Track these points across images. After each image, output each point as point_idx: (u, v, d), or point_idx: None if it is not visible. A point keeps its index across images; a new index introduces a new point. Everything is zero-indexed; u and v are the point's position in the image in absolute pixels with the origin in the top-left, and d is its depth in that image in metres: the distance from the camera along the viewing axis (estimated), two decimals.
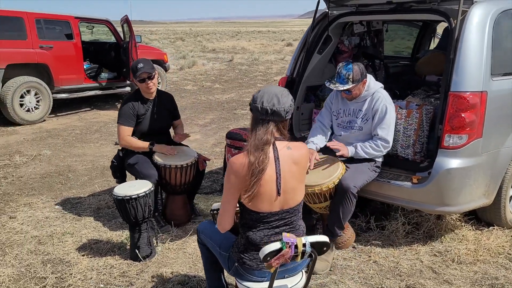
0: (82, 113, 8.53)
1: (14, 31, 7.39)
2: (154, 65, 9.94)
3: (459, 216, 3.71)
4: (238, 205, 2.07)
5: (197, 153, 3.70)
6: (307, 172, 3.04)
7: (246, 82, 12.87)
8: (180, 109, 8.81)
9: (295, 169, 2.02)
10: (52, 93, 7.88)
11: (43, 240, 3.41)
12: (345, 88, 3.12)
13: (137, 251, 3.10)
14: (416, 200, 3.24)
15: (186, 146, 3.90)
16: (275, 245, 1.80)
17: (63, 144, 6.29)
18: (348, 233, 3.35)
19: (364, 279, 2.94)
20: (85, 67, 8.67)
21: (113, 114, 8.40)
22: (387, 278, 2.95)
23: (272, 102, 2.01)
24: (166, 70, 10.27)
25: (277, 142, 2.02)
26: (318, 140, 3.34)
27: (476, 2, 3.27)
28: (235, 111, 8.71)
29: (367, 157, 3.17)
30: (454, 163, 3.09)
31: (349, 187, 2.98)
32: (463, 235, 3.46)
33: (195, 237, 3.37)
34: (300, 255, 1.83)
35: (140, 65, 3.57)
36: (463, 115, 3.05)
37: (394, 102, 3.56)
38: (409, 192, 3.23)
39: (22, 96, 7.42)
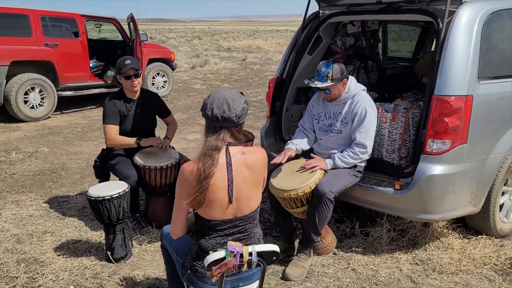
0: (87, 111, 8.59)
1: (19, 28, 7.47)
2: (161, 64, 9.98)
3: (446, 224, 3.59)
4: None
5: (179, 154, 3.66)
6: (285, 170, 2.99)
7: (255, 82, 12.81)
8: (185, 108, 8.91)
9: (249, 175, 1.96)
10: (57, 91, 7.95)
11: (22, 239, 3.42)
12: (323, 85, 3.04)
13: (110, 253, 3.08)
14: (398, 207, 3.13)
15: (172, 147, 3.86)
16: (220, 254, 1.74)
17: (62, 142, 6.34)
18: (328, 239, 3.27)
19: (339, 287, 2.86)
20: (91, 65, 8.74)
21: None
22: (363, 287, 2.86)
23: (222, 108, 1.94)
24: (173, 69, 10.27)
25: (230, 148, 1.96)
26: (299, 142, 3.26)
27: (465, 2, 3.14)
28: None
29: (346, 166, 3.09)
30: (436, 169, 2.98)
31: (325, 192, 2.90)
32: (448, 243, 3.34)
33: None
34: (245, 264, 1.76)
35: (128, 61, 3.53)
36: (446, 120, 2.94)
37: (381, 105, 3.47)
38: (391, 199, 3.13)
39: (26, 93, 7.50)
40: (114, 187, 3.07)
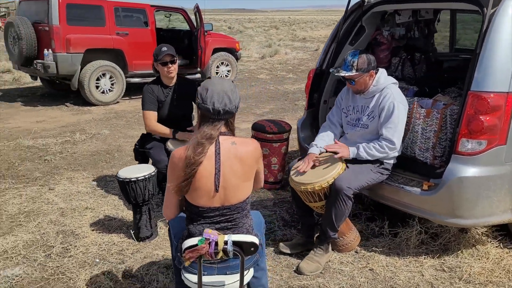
0: None
1: (94, 19, 8.01)
2: (226, 53, 10.20)
3: (486, 230, 3.33)
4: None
5: None
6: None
7: None
8: (244, 97, 9.03)
9: (238, 166, 1.96)
10: (126, 77, 8.44)
11: (66, 213, 3.72)
12: (347, 74, 2.94)
13: (136, 232, 3.25)
14: (426, 209, 2.96)
15: None
16: (195, 240, 1.78)
17: (123, 125, 6.75)
18: (351, 236, 3.17)
19: (351, 286, 2.78)
20: None
21: None
22: None
23: (224, 102, 1.96)
24: (237, 59, 10.43)
25: (221, 137, 1.98)
26: (323, 142, 3.17)
27: None
28: (297, 102, 8.60)
29: (370, 158, 2.96)
30: (469, 171, 2.77)
31: (342, 188, 2.81)
32: (484, 252, 3.10)
33: None
34: (220, 252, 1.78)
35: (164, 48, 3.66)
36: (482, 118, 2.71)
37: (418, 100, 3.28)
38: (418, 199, 2.96)
39: (98, 79, 8.06)
40: (142, 170, 3.23)
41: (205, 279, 1.99)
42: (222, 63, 10.05)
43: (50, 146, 5.58)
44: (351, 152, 2.97)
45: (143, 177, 3.14)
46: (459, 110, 2.89)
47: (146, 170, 3.24)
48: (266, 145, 4.18)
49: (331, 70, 3.07)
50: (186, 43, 9.71)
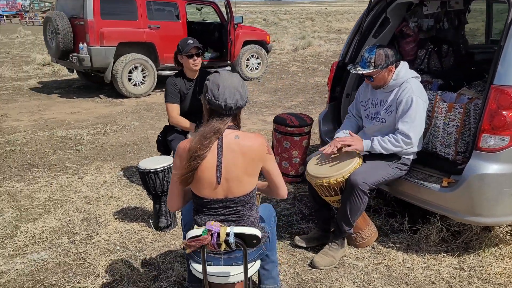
0: None
1: (127, 13, 8.19)
2: (256, 46, 10.19)
3: (511, 229, 3.21)
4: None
5: None
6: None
7: None
8: (273, 90, 9.03)
9: (241, 159, 1.97)
10: (157, 70, 8.61)
11: (92, 201, 3.86)
12: (365, 72, 2.89)
13: (155, 221, 3.35)
14: (445, 206, 2.89)
15: None
16: (198, 231, 1.82)
17: (153, 117, 6.90)
18: (368, 232, 3.14)
19: (364, 282, 2.75)
20: None
21: None
22: (390, 285, 2.72)
23: (235, 98, 1.98)
24: (268, 52, 10.42)
25: (226, 130, 2.00)
26: (349, 129, 3.15)
27: None
28: (326, 95, 8.46)
29: (385, 152, 2.91)
30: (490, 168, 2.68)
31: (357, 183, 2.78)
32: (509, 252, 3.00)
33: None
34: (223, 243, 1.82)
35: (190, 41, 3.71)
36: (504, 114, 2.61)
37: (441, 94, 3.19)
38: (437, 196, 2.89)
39: (130, 72, 8.25)
40: (161, 161, 3.31)
41: (212, 269, 2.03)
42: (252, 55, 10.07)
43: (82, 136, 5.79)
44: (364, 145, 2.92)
45: (161, 168, 3.22)
46: (481, 105, 2.80)
47: (165, 161, 3.32)
48: (287, 138, 4.18)
49: (348, 68, 3.02)
50: (217, 36, 9.78)
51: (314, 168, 3.01)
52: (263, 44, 10.26)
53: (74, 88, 9.33)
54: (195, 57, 3.69)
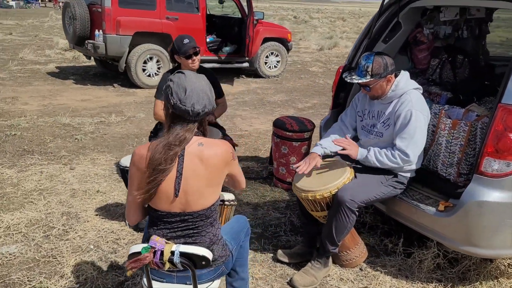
0: None
1: (146, 2, 8.09)
2: (276, 43, 9.97)
3: None
4: None
5: (223, 135, 3.59)
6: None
7: None
8: (289, 90, 8.81)
9: (202, 170, 1.79)
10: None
11: (77, 194, 3.75)
12: (361, 81, 2.65)
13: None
14: (440, 232, 2.64)
15: (221, 127, 3.82)
16: (140, 247, 1.64)
17: None
18: (356, 252, 2.92)
19: None
20: (208, 40, 9.12)
21: (226, 88, 8.69)
22: None
23: (204, 103, 1.79)
24: (288, 50, 10.17)
25: None
26: (330, 143, 2.90)
27: None
28: None
29: (379, 165, 2.67)
30: (491, 195, 2.42)
31: (344, 200, 2.56)
32: (508, 287, 2.72)
33: None
34: (166, 263, 1.63)
35: (186, 40, 3.53)
36: (511, 136, 2.34)
37: (447, 109, 2.92)
38: (432, 220, 2.65)
39: (145, 62, 8.16)
40: None
41: (164, 286, 1.86)
42: (271, 53, 9.84)
43: (85, 125, 5.71)
44: (359, 153, 2.69)
45: None
46: (487, 125, 2.53)
47: None
48: (285, 143, 3.97)
49: (343, 76, 2.79)
50: (236, 31, 9.60)
51: (300, 179, 2.80)
52: (284, 42, 10.01)
53: (90, 75, 9.32)
54: (194, 57, 3.51)
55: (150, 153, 1.77)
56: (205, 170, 1.79)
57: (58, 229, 3.20)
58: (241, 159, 4.83)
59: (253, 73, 9.89)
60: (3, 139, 4.98)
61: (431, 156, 2.93)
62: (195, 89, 1.78)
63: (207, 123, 1.93)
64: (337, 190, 2.63)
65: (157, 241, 1.64)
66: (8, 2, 31.33)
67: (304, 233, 3.05)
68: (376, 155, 2.66)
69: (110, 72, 9.36)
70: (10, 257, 2.84)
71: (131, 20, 7.89)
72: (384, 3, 3.55)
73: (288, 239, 3.25)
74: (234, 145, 3.63)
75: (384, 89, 2.69)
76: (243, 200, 3.85)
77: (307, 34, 20.73)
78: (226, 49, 9.36)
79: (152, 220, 1.89)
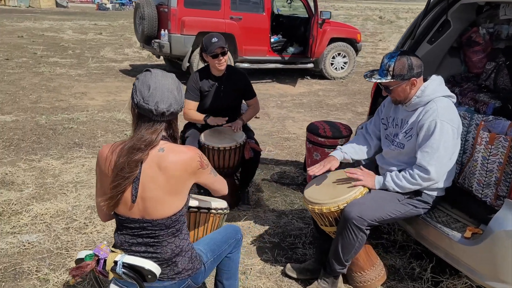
0: (260, 84, 8.95)
1: (210, 2, 8.20)
2: (344, 44, 9.61)
3: None
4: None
5: (246, 139, 3.45)
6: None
7: None
8: (352, 93, 8.58)
9: (161, 177, 1.67)
10: (235, 62, 8.50)
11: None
12: (381, 81, 2.36)
13: None
14: (464, 261, 2.29)
15: (250, 130, 3.69)
16: (83, 253, 1.57)
17: None
18: (372, 274, 2.63)
19: None
20: (272, 40, 9.02)
21: (287, 88, 8.56)
22: None
23: (169, 102, 1.69)
24: (357, 51, 9.73)
25: None
26: (351, 150, 2.66)
27: None
28: None
29: (400, 190, 2.37)
30: None
31: (350, 217, 2.31)
32: None
33: None
34: (109, 273, 1.55)
35: (214, 39, 3.47)
36: None
37: (488, 120, 2.54)
38: (456, 248, 2.31)
39: None
40: None
41: None
42: (339, 53, 9.48)
43: None
44: (376, 181, 2.42)
45: None
46: None
47: None
48: (317, 149, 3.73)
49: (364, 75, 2.52)
50: (302, 31, 9.38)
51: (309, 190, 2.59)
52: (353, 42, 9.60)
53: None
54: (221, 57, 3.43)
55: (115, 157, 1.70)
56: (162, 177, 1.68)
57: (80, 222, 3.29)
58: (280, 163, 4.66)
59: (319, 74, 9.62)
60: (60, 131, 5.29)
61: (467, 173, 2.56)
62: (159, 87, 1.68)
63: (177, 126, 1.82)
64: (345, 205, 2.38)
65: (101, 248, 1.57)
66: (105, 4, 33.84)
67: (316, 247, 2.82)
68: (394, 180, 2.38)
69: (178, 71, 9.62)
70: (28, 246, 2.96)
71: (195, 20, 8.04)
72: (431, 0, 3.19)
73: (305, 253, 3.04)
74: (257, 150, 3.48)
75: (407, 94, 2.38)
76: (269, 206, 3.70)
77: (388, 35, 19.82)
78: (291, 49, 9.19)
79: (117, 224, 1.82)
